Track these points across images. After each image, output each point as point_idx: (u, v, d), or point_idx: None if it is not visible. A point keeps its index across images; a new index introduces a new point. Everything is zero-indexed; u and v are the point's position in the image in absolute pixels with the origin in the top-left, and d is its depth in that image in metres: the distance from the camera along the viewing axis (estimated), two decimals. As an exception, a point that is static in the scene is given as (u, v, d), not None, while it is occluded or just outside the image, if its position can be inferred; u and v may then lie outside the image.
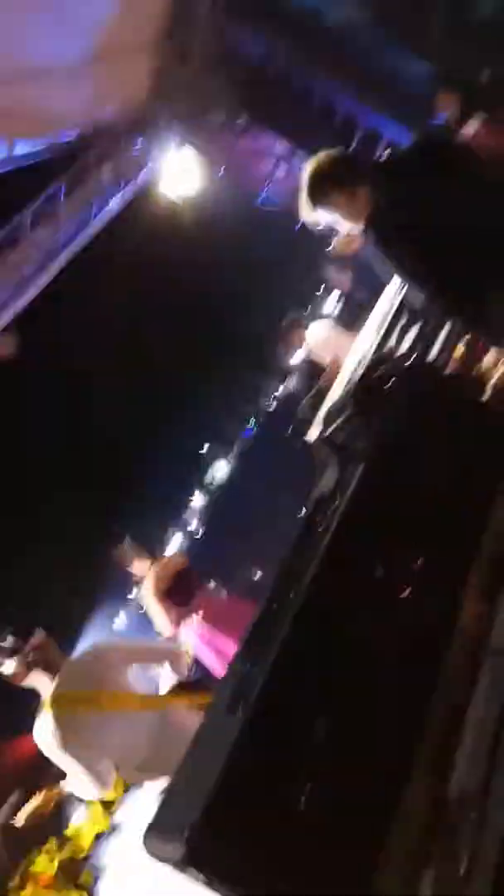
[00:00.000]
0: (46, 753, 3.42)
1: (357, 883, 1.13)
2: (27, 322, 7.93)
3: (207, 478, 16.21)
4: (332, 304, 15.73)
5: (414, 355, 2.86)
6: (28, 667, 3.40)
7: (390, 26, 6.66)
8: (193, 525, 15.92)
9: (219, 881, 1.12)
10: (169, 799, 1.37)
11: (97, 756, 3.38)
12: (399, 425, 1.73)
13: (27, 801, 3.82)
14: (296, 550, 1.65)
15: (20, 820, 3.84)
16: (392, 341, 4.94)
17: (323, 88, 7.65)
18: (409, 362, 1.93)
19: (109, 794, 3.69)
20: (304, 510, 1.81)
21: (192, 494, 16.35)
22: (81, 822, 7.69)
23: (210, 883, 1.11)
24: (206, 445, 16.73)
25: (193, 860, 1.11)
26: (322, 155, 2.80)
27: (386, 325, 5.12)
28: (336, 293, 14.75)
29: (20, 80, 5.31)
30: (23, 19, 4.98)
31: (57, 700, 3.30)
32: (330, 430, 1.88)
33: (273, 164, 8.52)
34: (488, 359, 3.38)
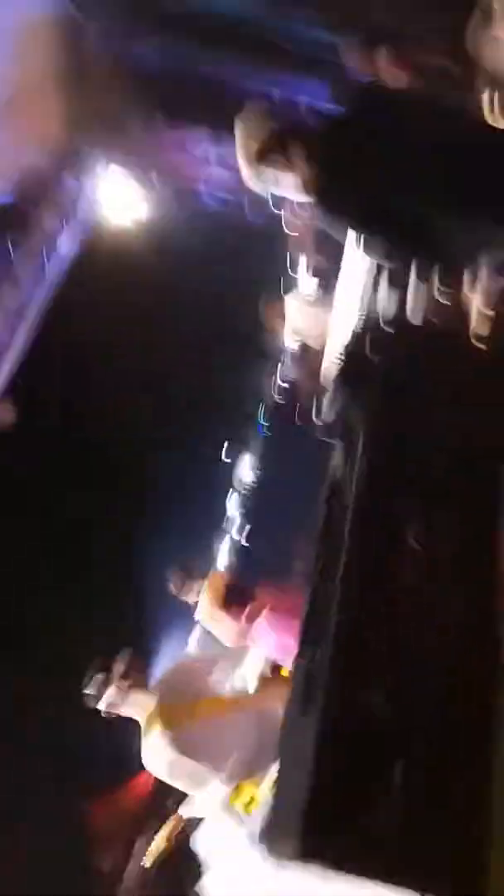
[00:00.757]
0: (162, 773, 3.49)
1: (467, 850, 1.12)
2: (18, 388, 8.02)
3: (236, 480, 16.23)
4: (303, 276, 15.67)
5: (391, 317, 2.80)
6: (124, 692, 3.47)
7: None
8: (235, 528, 15.96)
9: (336, 868, 1.15)
10: (274, 804, 1.38)
11: (207, 766, 3.44)
12: (394, 392, 1.70)
13: (149, 842, 3.89)
14: (322, 538, 1.63)
15: (148, 861, 3.92)
16: (366, 299, 4.92)
17: (231, 70, 7.61)
18: (387, 326, 1.88)
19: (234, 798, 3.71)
20: (322, 494, 1.79)
21: (225, 500, 16.38)
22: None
23: (328, 871, 1.14)
24: (225, 450, 16.72)
25: (310, 856, 1.12)
26: (255, 110, 2.77)
27: (359, 283, 5.09)
28: (304, 263, 14.70)
29: None
30: None
31: (161, 714, 3.38)
32: (330, 412, 1.85)
33: (204, 155, 8.48)
34: (464, 288, 3.32)
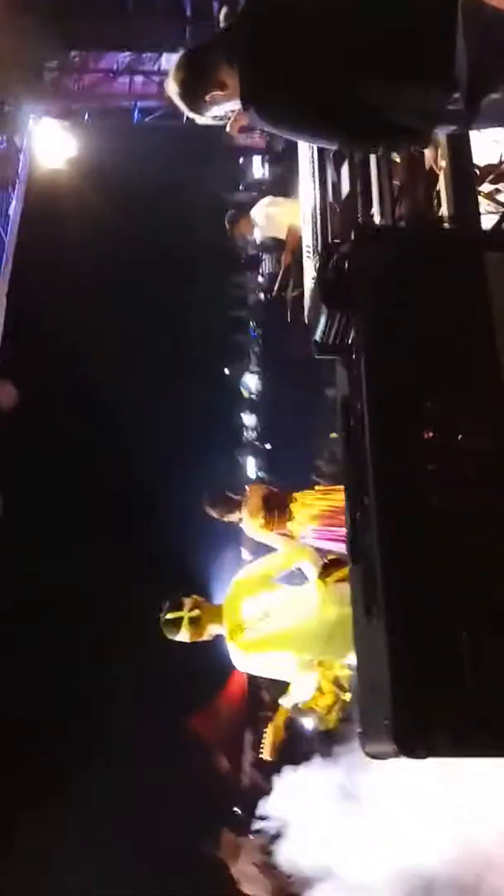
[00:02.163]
0: (254, 671, 3.86)
1: None
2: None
3: (245, 393, 16.28)
4: (258, 170, 15.05)
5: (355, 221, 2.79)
6: (198, 627, 3.76)
7: None
8: (255, 436, 16.17)
9: (432, 752, 1.35)
10: (364, 709, 1.58)
11: (289, 653, 3.77)
12: (378, 303, 1.76)
13: (260, 736, 4.29)
14: (349, 461, 1.76)
15: (269, 754, 4.34)
16: (329, 187, 4.82)
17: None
18: (354, 236, 1.91)
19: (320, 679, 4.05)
20: (338, 418, 1.90)
21: (239, 417, 16.49)
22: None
23: (427, 754, 1.34)
24: (227, 369, 16.67)
25: (405, 750, 1.32)
26: (172, 71, 2.67)
27: (317, 172, 4.97)
28: (257, 159, 14.08)
29: None
30: None
31: (233, 631, 3.68)
32: (317, 334, 1.92)
33: (126, 77, 8.08)
34: (429, 156, 3.27)
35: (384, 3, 2.35)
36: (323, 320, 1.87)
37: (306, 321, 2.14)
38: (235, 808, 9.21)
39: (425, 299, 1.76)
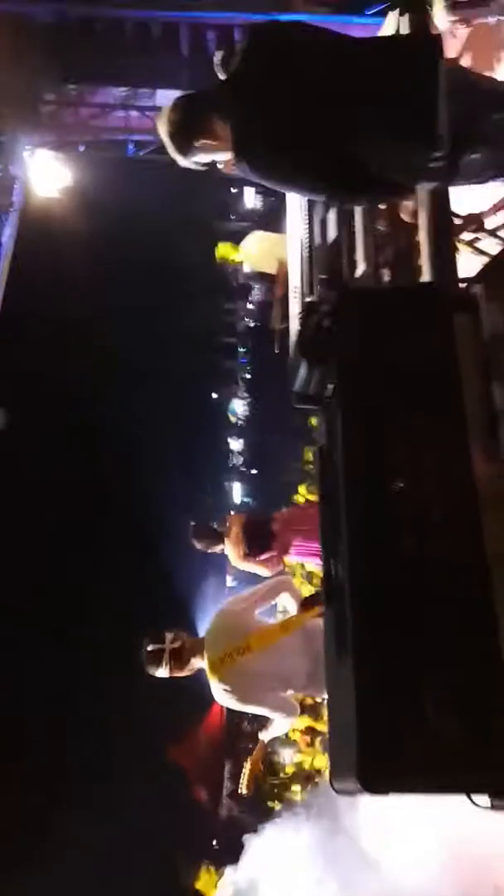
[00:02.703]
0: (235, 707, 3.87)
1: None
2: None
3: (232, 418, 16.40)
4: (251, 200, 15.35)
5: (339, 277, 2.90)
6: (178, 660, 3.76)
7: None
8: (242, 464, 16.24)
9: (395, 788, 1.42)
10: (333, 747, 1.65)
11: (272, 691, 3.79)
12: (353, 361, 1.86)
13: (238, 768, 4.31)
14: (325, 507, 1.84)
15: (246, 788, 4.35)
16: (316, 228, 4.96)
17: (126, 15, 7.33)
18: (338, 291, 2.01)
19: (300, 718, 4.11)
20: (316, 466, 1.98)
21: (226, 442, 16.58)
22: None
23: (390, 791, 1.41)
24: (214, 394, 16.81)
25: (369, 788, 1.39)
26: (166, 111, 2.75)
27: (305, 214, 5.12)
28: (249, 190, 14.39)
29: None
30: None
31: (213, 666, 3.69)
32: (297, 385, 2.02)
33: (122, 111, 8.26)
34: (408, 207, 3.41)
35: (372, 70, 2.49)
36: (302, 373, 1.97)
37: (288, 369, 2.23)
38: (213, 842, 9.13)
39: (397, 358, 1.86)
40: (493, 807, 1.56)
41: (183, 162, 2.68)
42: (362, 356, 1.83)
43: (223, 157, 2.64)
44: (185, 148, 2.55)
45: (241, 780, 4.32)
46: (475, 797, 1.56)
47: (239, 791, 4.56)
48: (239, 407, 16.37)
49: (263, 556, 4.97)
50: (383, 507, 1.72)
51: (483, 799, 1.56)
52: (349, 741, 1.42)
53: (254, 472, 16.14)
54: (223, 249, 7.57)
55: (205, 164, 2.78)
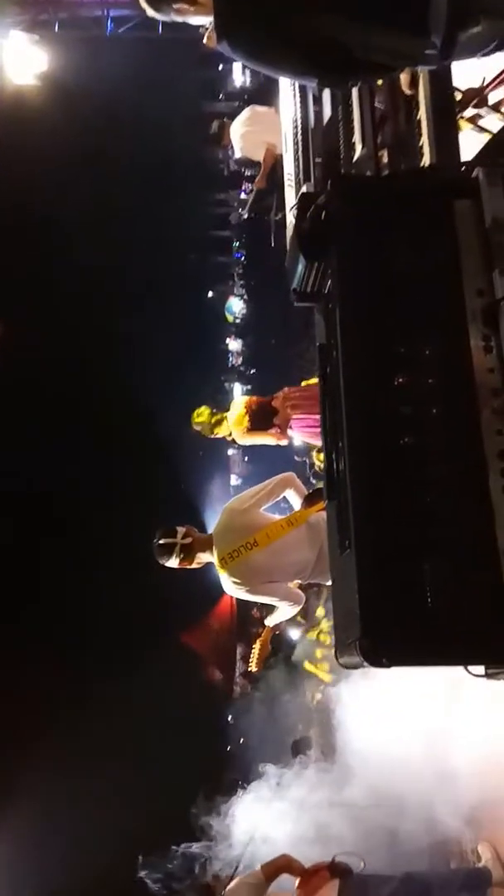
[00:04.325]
0: (243, 598, 4.11)
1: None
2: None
3: (229, 317, 16.11)
4: (239, 78, 14.37)
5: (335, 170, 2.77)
6: (189, 554, 3.95)
7: None
8: (241, 364, 16.14)
9: (393, 661, 1.53)
10: (339, 626, 1.76)
11: (279, 582, 4.00)
12: (351, 253, 1.82)
13: (249, 650, 4.61)
14: (326, 404, 1.87)
15: (254, 667, 4.67)
16: (310, 108, 4.68)
17: None
18: (334, 180, 1.94)
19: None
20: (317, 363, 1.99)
21: (224, 342, 16.38)
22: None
23: (391, 664, 1.53)
24: (210, 292, 16.43)
25: (370, 660, 1.50)
26: None
27: (297, 93, 4.81)
28: (237, 66, 13.42)
29: None
30: None
31: (223, 561, 3.89)
32: (295, 282, 1.98)
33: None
34: (406, 83, 3.21)
35: None
36: (300, 269, 1.93)
37: (285, 266, 2.19)
38: (228, 718, 9.84)
39: (397, 249, 1.82)
40: (487, 676, 1.68)
41: (152, 13, 2.51)
42: (360, 248, 1.80)
43: (199, 22, 2.49)
44: (161, 4, 2.40)
45: (251, 660, 4.64)
46: (471, 668, 1.69)
47: (249, 670, 4.90)
48: (236, 305, 16.03)
49: (270, 427, 5.21)
50: (383, 403, 1.74)
51: (478, 669, 1.68)
52: (353, 621, 1.53)
53: (253, 371, 16.05)
54: (219, 126, 7.14)
55: (178, 24, 2.62)
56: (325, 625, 8.12)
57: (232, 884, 3.77)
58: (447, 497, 1.67)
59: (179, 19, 2.50)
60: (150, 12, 2.50)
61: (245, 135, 6.60)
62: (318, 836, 4.25)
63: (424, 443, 1.70)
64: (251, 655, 4.64)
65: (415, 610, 1.52)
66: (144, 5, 2.47)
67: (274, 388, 5.58)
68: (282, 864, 3.84)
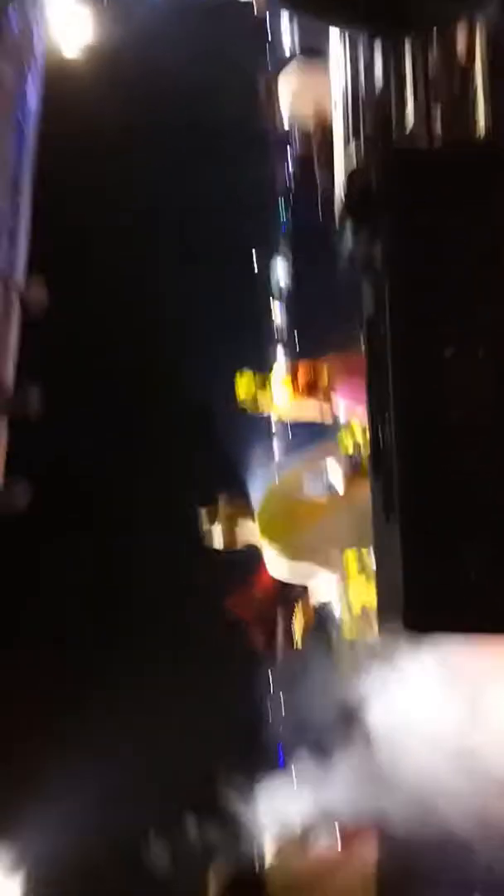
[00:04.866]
0: (284, 576, 4.23)
1: None
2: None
3: (273, 285, 15.93)
4: (288, 39, 14.02)
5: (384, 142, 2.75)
6: (231, 526, 4.06)
7: None
8: (285, 331, 16.02)
9: (433, 629, 1.58)
10: (382, 595, 1.82)
11: (322, 553, 4.10)
12: (402, 228, 1.83)
13: (290, 614, 4.73)
14: (372, 378, 1.90)
15: (301, 642, 4.78)
16: (361, 73, 4.58)
17: None
18: (386, 153, 1.94)
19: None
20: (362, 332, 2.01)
21: (269, 310, 16.24)
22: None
23: (431, 630, 1.57)
24: (255, 257, 16.26)
25: (414, 627, 1.55)
26: None
27: (348, 55, 4.72)
28: (286, 27, 13.08)
29: None
30: None
31: (268, 537, 3.98)
32: (344, 252, 1.99)
33: None
34: (463, 48, 3.14)
35: None
36: (350, 244, 1.95)
37: (335, 236, 2.20)
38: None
39: (448, 223, 1.82)
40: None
41: None
42: (411, 222, 1.81)
43: None
44: None
45: (293, 633, 4.74)
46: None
47: (294, 645, 5.02)
48: (281, 273, 15.85)
49: (316, 396, 5.30)
50: (432, 376, 1.76)
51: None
52: (395, 591, 1.58)
53: (297, 338, 15.93)
54: (267, 88, 7.05)
55: None
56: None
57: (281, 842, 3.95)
58: (492, 471, 1.70)
59: None
60: None
61: (295, 90, 6.53)
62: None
63: (472, 416, 1.72)
64: (293, 625, 4.73)
65: (456, 580, 1.56)
66: None
67: (318, 355, 5.63)
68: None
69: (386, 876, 3.46)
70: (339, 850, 3.87)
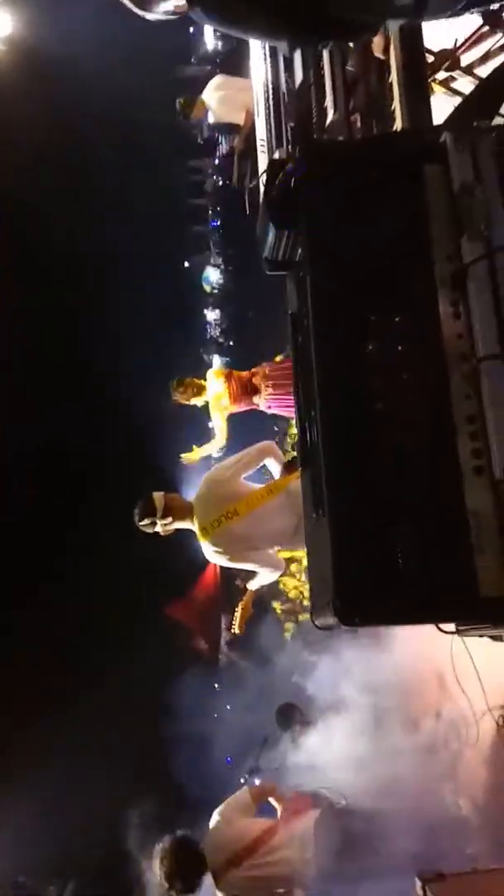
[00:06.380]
0: (224, 564, 4.20)
1: (464, 581, 1.54)
2: None
3: (206, 287, 15.89)
4: (210, 42, 14.02)
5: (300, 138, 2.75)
6: (167, 519, 4.01)
7: None
8: (220, 336, 16.00)
9: (365, 621, 1.59)
10: (314, 591, 1.81)
11: (260, 549, 4.07)
12: (321, 221, 1.82)
13: (232, 616, 4.69)
14: (299, 374, 1.88)
15: (239, 629, 4.76)
16: (281, 73, 4.61)
17: None
18: (302, 146, 1.93)
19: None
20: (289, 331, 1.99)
21: (202, 312, 16.18)
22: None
23: (363, 623, 1.57)
24: (186, 262, 16.19)
25: (344, 620, 1.55)
26: None
27: (268, 57, 4.74)
28: (209, 29, 13.07)
29: None
30: None
31: (204, 530, 3.94)
32: (266, 251, 1.98)
33: None
34: (380, 43, 3.17)
35: None
36: (271, 238, 1.93)
37: (256, 234, 2.19)
38: (215, 686, 10.02)
39: (367, 215, 1.82)
40: (458, 632, 1.74)
41: (149, 16, 2.51)
42: (330, 216, 1.80)
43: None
44: (145, 1, 2.39)
45: (233, 621, 4.72)
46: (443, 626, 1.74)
47: (232, 631, 4.99)
48: (213, 275, 15.81)
49: (247, 402, 5.34)
50: (354, 370, 1.76)
51: (449, 626, 1.74)
52: (326, 583, 1.57)
53: (231, 342, 15.92)
54: (185, 102, 7.08)
55: (172, 13, 2.60)
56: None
57: (223, 805, 4.00)
58: (417, 462, 1.71)
59: (167, 7, 2.47)
60: (138, 10, 2.46)
61: (221, 98, 6.50)
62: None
63: (395, 409, 1.73)
64: (234, 618, 4.72)
65: (386, 571, 1.56)
66: (132, 5, 2.45)
67: (252, 358, 5.62)
68: (268, 790, 4.25)
69: (322, 840, 3.58)
70: (279, 817, 3.99)
